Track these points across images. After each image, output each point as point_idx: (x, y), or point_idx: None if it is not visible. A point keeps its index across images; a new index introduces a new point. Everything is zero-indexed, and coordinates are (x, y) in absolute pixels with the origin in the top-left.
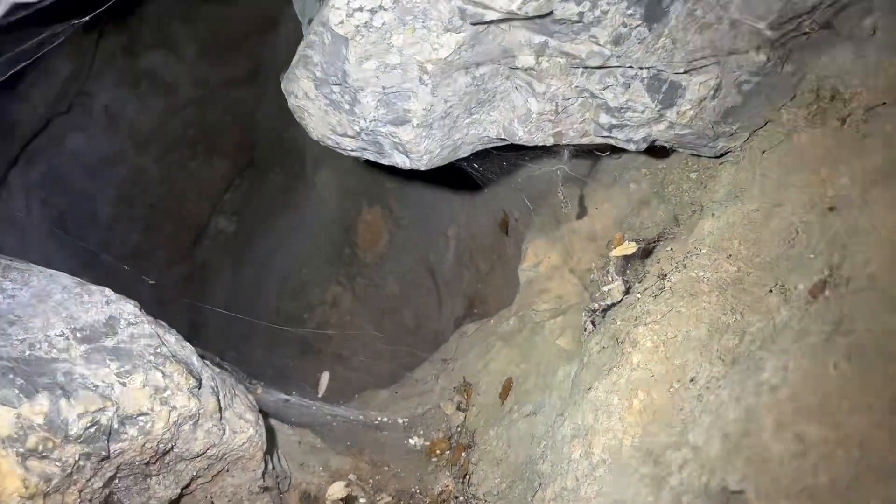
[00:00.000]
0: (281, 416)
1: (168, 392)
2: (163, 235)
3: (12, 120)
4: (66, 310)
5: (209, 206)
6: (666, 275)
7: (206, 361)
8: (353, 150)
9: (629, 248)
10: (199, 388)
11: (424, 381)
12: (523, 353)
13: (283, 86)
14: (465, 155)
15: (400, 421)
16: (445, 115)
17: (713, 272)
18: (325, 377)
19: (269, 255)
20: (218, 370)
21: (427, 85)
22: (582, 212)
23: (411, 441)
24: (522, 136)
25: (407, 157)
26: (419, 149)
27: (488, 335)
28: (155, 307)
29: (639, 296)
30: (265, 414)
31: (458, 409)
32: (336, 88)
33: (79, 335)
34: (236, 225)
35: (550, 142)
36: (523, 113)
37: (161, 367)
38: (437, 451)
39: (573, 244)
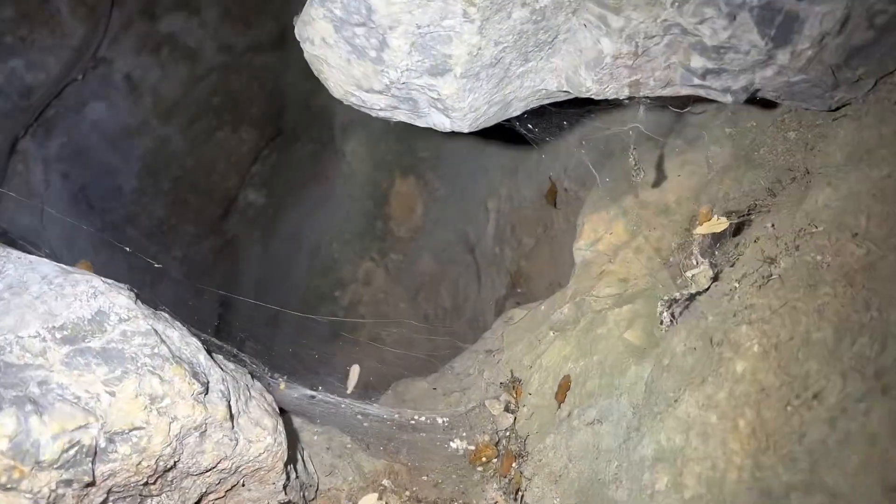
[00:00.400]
0: (306, 414)
1: (167, 401)
2: (190, 209)
3: (26, 85)
4: (44, 304)
5: (237, 179)
6: (774, 259)
7: (215, 358)
8: (381, 110)
9: (719, 224)
10: (206, 394)
11: (466, 374)
12: (582, 347)
13: (296, 31)
14: (517, 113)
15: (440, 421)
16: (496, 62)
17: (836, 256)
18: (354, 371)
19: (299, 229)
20: (232, 366)
21: (473, 21)
22: (660, 178)
23: (453, 444)
24: (591, 86)
25: (447, 116)
26: (462, 105)
27: (539, 324)
28: (183, 283)
29: (736, 284)
30: (287, 412)
31: (507, 409)
32: (360, 30)
33: (58, 335)
34: (266, 197)
35: (625, 94)
36: (593, 57)
37: (159, 372)
38: (483, 458)
39: (640, 218)
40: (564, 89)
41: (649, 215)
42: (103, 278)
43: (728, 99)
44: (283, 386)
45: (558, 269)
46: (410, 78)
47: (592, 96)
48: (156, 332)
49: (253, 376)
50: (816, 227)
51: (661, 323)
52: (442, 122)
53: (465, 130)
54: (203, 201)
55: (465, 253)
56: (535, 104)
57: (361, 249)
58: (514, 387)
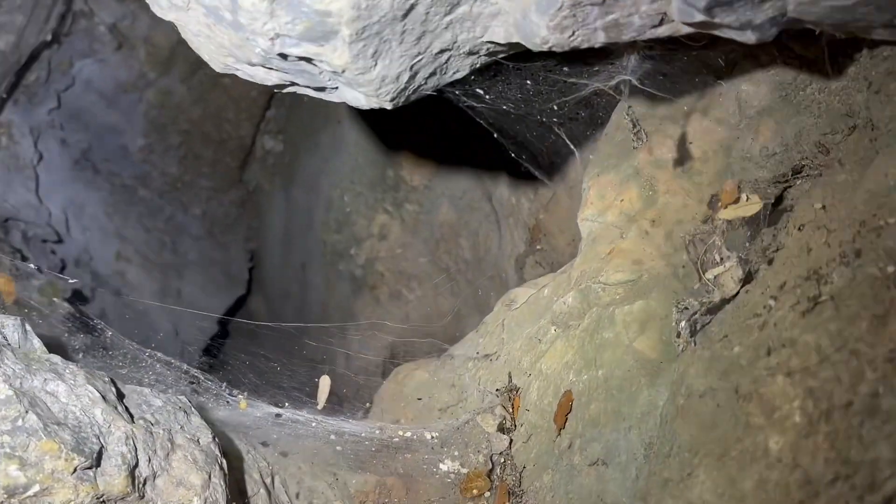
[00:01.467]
0: (271, 438)
1: (35, 488)
2: (205, 162)
3: None
4: None
5: (251, 126)
6: (821, 273)
7: (128, 400)
8: (277, 84)
9: (749, 206)
10: (98, 466)
11: (465, 369)
12: (586, 353)
13: None
14: (462, 75)
15: (428, 437)
16: (404, 14)
17: None
18: (324, 384)
19: (316, 178)
20: (160, 402)
21: None
22: (684, 156)
23: (443, 466)
24: (547, 36)
25: (358, 91)
26: (371, 77)
27: (541, 313)
28: (207, 240)
29: (771, 302)
30: (226, 436)
31: (501, 429)
32: None
33: None
34: (283, 143)
35: (601, 40)
36: None
37: (20, 452)
38: (475, 491)
39: (657, 181)
40: (514, 41)
41: (667, 177)
42: None
43: (751, 38)
44: (243, 404)
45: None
46: (286, 47)
47: (553, 49)
48: (24, 395)
49: (189, 409)
50: (886, 220)
51: (679, 335)
52: (356, 98)
53: (388, 107)
54: (217, 153)
55: (484, 200)
56: (484, 61)
57: (374, 201)
58: (510, 397)
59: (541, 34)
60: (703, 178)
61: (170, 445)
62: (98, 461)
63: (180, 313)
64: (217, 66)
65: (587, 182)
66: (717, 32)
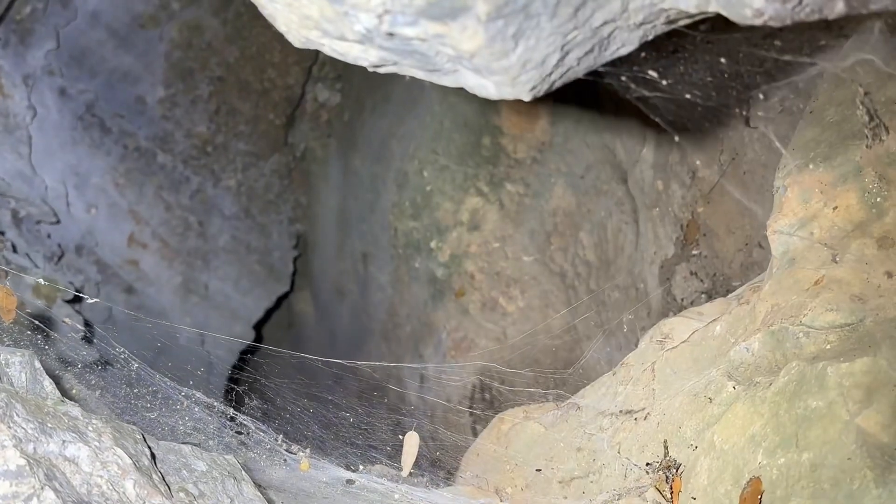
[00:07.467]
0: None
1: None
2: (241, 119)
3: None
4: None
5: (301, 71)
6: None
7: (159, 465)
8: (375, 64)
9: None
10: None
11: (596, 425)
12: (782, 426)
13: None
14: (627, 51)
15: None
16: None
17: None
18: (411, 441)
19: (385, 144)
20: (203, 466)
21: None
22: None
23: None
24: (763, 6)
25: (487, 79)
26: (508, 63)
27: (711, 359)
28: (240, 220)
29: None
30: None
31: None
32: None
33: None
34: (341, 94)
35: (839, 11)
36: None
37: None
38: None
39: (889, 183)
40: (711, 10)
41: None
42: None
43: None
44: (305, 464)
45: (755, 221)
46: (397, 26)
47: (768, 23)
48: (36, 466)
49: (241, 475)
50: None
51: None
52: (481, 87)
53: (527, 98)
54: (258, 107)
55: (615, 181)
56: (660, 31)
57: (464, 179)
58: (668, 476)
59: (754, 4)
60: None
61: None
62: None
63: (206, 315)
64: (296, 39)
65: (783, 178)
66: None
